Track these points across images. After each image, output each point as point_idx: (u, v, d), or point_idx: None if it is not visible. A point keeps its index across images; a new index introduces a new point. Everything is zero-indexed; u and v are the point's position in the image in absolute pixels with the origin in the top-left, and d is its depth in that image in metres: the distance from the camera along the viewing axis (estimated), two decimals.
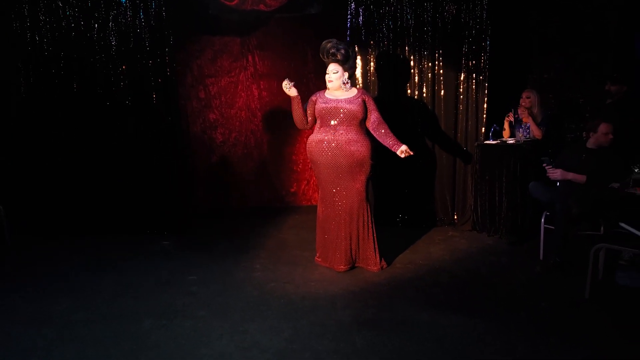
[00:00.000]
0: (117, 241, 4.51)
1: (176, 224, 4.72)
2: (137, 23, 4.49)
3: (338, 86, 3.46)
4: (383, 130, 3.47)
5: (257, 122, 5.65)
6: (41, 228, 4.70)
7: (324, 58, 3.48)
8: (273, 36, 5.42)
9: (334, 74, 3.44)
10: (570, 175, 3.48)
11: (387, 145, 3.45)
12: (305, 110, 3.56)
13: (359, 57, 4.54)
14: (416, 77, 4.56)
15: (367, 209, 3.52)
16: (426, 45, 4.49)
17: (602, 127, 3.47)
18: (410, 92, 4.59)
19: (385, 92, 4.59)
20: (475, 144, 4.44)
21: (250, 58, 5.48)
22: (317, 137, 3.49)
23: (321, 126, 3.50)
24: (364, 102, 3.45)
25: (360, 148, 3.42)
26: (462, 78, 4.51)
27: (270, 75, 5.52)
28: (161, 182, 4.66)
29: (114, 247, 4.34)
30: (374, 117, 3.48)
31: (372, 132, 3.49)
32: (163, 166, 4.65)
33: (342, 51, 3.41)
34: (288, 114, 5.51)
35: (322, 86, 5.47)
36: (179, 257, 4.04)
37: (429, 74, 4.53)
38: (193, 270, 3.71)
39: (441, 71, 4.51)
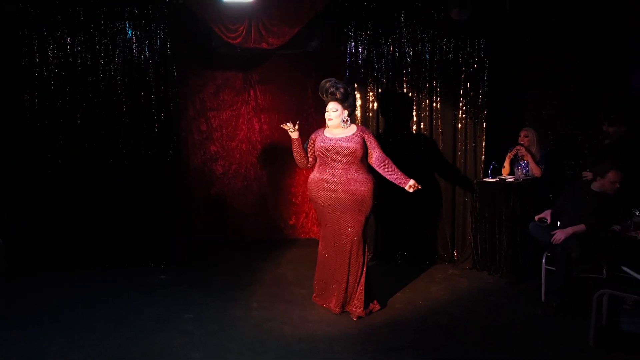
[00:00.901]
0: (114, 273, 4.48)
1: (174, 256, 4.70)
2: (142, 59, 4.58)
3: (338, 124, 3.44)
4: (388, 167, 3.42)
5: (257, 155, 5.68)
6: (37, 258, 4.67)
7: (323, 97, 3.48)
8: (274, 71, 5.51)
9: (334, 112, 3.43)
10: (570, 230, 3.45)
11: (395, 181, 3.40)
12: (305, 150, 3.56)
13: (358, 94, 4.60)
14: (415, 114, 4.61)
15: (364, 250, 3.45)
16: (424, 82, 4.56)
17: (611, 175, 3.45)
18: (409, 128, 4.63)
19: (385, 129, 4.63)
20: (474, 181, 4.45)
21: (251, 92, 5.56)
22: (317, 176, 3.46)
23: (320, 165, 3.47)
24: (363, 139, 3.40)
25: (359, 187, 3.36)
26: (460, 115, 4.56)
27: (271, 109, 5.59)
28: (160, 213, 4.67)
29: (110, 280, 4.31)
30: (376, 154, 3.43)
31: (377, 169, 3.44)
32: (162, 198, 4.67)
33: (341, 90, 3.41)
34: (288, 148, 5.54)
35: (322, 121, 5.51)
36: (175, 293, 3.99)
37: (428, 111, 4.59)
38: (189, 307, 3.67)
39: (439, 108, 4.57)
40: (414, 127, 4.62)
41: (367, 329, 3.27)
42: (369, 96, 4.61)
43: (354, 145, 3.35)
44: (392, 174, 3.41)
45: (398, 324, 3.34)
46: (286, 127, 3.45)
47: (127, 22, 4.57)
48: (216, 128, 5.61)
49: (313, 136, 3.54)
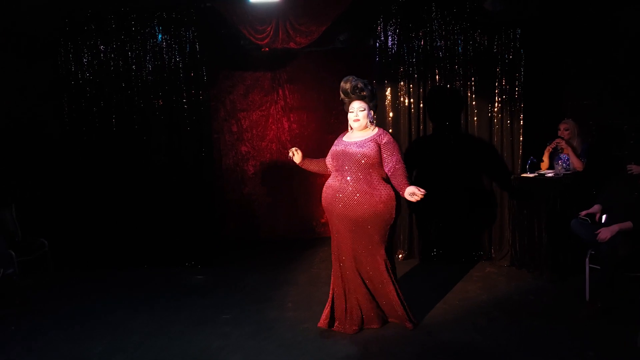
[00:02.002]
0: (152, 274, 4.62)
1: (209, 256, 4.78)
2: (172, 63, 4.64)
3: (365, 125, 3.09)
4: (397, 175, 2.97)
5: (286, 154, 5.66)
6: (80, 261, 4.84)
7: (347, 96, 3.13)
8: (303, 70, 5.49)
9: (361, 111, 3.08)
10: (617, 228, 3.29)
11: (398, 188, 2.97)
12: (319, 163, 3.35)
13: (388, 90, 4.53)
14: (448, 109, 4.49)
15: (385, 267, 3.08)
16: (458, 76, 4.44)
17: None
18: (443, 124, 4.52)
19: (416, 125, 4.54)
20: (512, 176, 4.31)
21: (280, 92, 5.57)
22: (329, 182, 3.17)
23: (333, 170, 3.17)
24: (377, 144, 3.00)
25: (369, 200, 2.96)
26: (496, 109, 4.42)
27: (300, 108, 5.58)
28: (195, 214, 4.75)
29: (148, 281, 4.43)
30: (392, 161, 2.98)
31: (390, 178, 3.02)
32: (196, 199, 4.74)
33: (369, 87, 3.12)
34: (318, 145, 5.58)
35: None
36: (212, 293, 4.06)
37: (462, 105, 4.47)
38: (226, 308, 3.72)
39: (474, 102, 4.44)
40: (448, 123, 4.51)
41: (402, 330, 3.22)
42: (400, 92, 4.53)
43: (366, 150, 2.97)
44: (395, 181, 2.97)
45: (434, 325, 3.28)
46: (289, 155, 3.30)
47: (157, 27, 4.64)
48: (246, 129, 5.65)
49: (336, 140, 3.25)
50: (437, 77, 4.48)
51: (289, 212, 5.73)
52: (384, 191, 3.01)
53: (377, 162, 3.00)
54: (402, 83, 4.51)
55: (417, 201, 2.85)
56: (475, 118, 4.46)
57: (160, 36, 4.66)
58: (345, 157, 3.03)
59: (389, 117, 4.55)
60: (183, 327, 3.43)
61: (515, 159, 4.41)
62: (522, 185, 4.19)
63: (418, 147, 4.53)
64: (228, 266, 4.76)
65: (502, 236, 4.49)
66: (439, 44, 4.43)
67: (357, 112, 3.10)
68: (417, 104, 4.52)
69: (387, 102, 4.54)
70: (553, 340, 3.04)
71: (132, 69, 4.68)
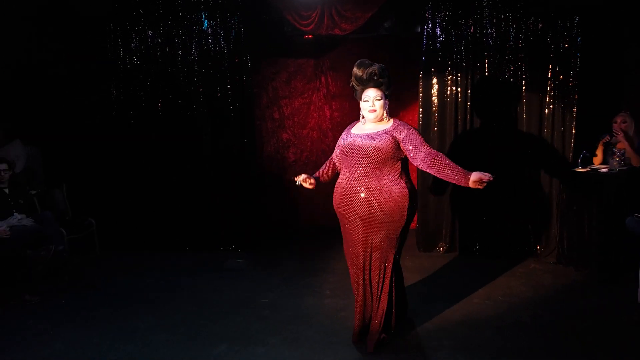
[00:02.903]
0: (194, 257, 4.73)
1: (249, 242, 4.85)
2: (217, 49, 4.69)
3: (381, 116, 2.75)
4: (441, 163, 2.63)
5: (327, 142, 5.67)
6: (125, 242, 5.02)
7: (360, 83, 2.76)
8: (346, 57, 5.42)
9: (378, 101, 2.71)
10: None
11: (452, 181, 2.64)
12: (329, 169, 3.05)
13: (435, 79, 4.42)
14: (497, 99, 4.34)
15: (390, 276, 2.78)
16: (508, 65, 4.27)
17: None
18: (491, 114, 4.38)
19: (462, 115, 4.41)
20: (562, 170, 4.13)
21: (323, 79, 5.53)
22: (338, 181, 2.87)
23: (342, 166, 2.87)
24: (394, 138, 2.66)
25: (378, 197, 2.65)
26: (547, 99, 4.24)
27: (342, 96, 5.53)
28: (237, 200, 4.81)
29: (191, 263, 4.55)
30: (422, 152, 2.64)
31: (428, 171, 2.68)
32: (239, 185, 4.80)
33: (387, 73, 2.74)
34: None
35: (397, 107, 5.44)
36: (252, 277, 4.13)
37: (511, 96, 4.31)
38: (265, 292, 3.77)
39: (524, 93, 4.27)
40: (496, 113, 4.36)
41: (444, 323, 3.17)
42: (447, 81, 4.41)
43: (379, 143, 2.64)
44: (447, 171, 2.61)
45: (476, 320, 3.21)
46: (305, 185, 2.90)
47: (203, 13, 4.69)
48: (288, 116, 5.66)
49: (343, 134, 2.91)
50: (486, 66, 4.33)
51: (329, 201, 5.68)
52: (396, 188, 2.66)
53: (391, 156, 2.65)
54: (449, 72, 4.39)
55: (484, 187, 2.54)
56: (524, 109, 4.29)
57: (206, 22, 4.71)
58: (354, 150, 2.69)
59: (435, 106, 4.44)
60: (223, 308, 3.50)
61: (566, 153, 4.23)
62: (573, 180, 4.01)
63: (464, 138, 4.41)
64: (268, 251, 4.82)
65: (549, 232, 4.33)
66: (489, 31, 4.28)
67: (374, 101, 2.72)
68: (464, 93, 4.39)
69: (433, 91, 4.43)
70: (600, 343, 2.90)
71: (178, 55, 4.76)
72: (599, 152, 4.12)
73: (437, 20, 4.36)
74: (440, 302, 3.49)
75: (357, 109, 5.70)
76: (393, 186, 2.67)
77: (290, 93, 5.61)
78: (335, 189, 2.85)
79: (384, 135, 2.66)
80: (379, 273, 2.77)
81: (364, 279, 2.82)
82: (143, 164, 4.91)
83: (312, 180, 2.90)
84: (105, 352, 2.92)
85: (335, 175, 3.00)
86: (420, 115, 4.49)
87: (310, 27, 4.55)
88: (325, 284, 3.92)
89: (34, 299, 3.72)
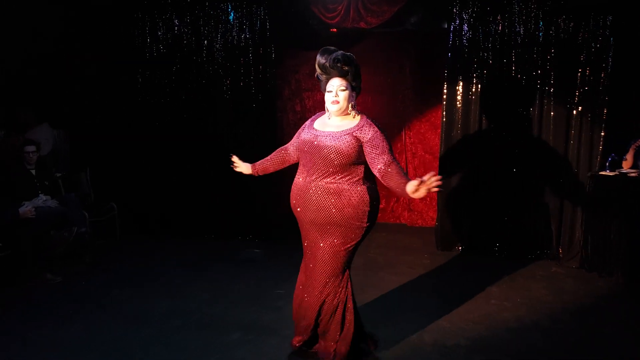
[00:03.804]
0: (212, 245, 4.79)
1: (267, 232, 4.86)
2: (242, 39, 4.70)
3: (345, 110, 2.42)
4: (391, 177, 2.29)
5: None
6: (145, 227, 5.09)
7: (324, 72, 2.44)
8: (370, 51, 5.38)
9: (342, 91, 2.39)
10: None
11: (396, 190, 2.29)
12: (275, 160, 2.80)
13: (460, 76, 4.34)
14: (523, 98, 4.25)
15: (344, 285, 2.56)
16: (536, 63, 4.18)
17: None
18: (516, 114, 4.29)
19: (488, 114, 4.33)
20: (589, 174, 4.03)
21: None
22: (296, 179, 2.61)
23: (300, 164, 2.62)
24: (357, 139, 2.36)
25: (336, 203, 2.40)
26: (576, 101, 4.13)
27: (364, 90, 5.38)
28: (255, 190, 4.82)
29: (209, 251, 4.60)
30: (382, 162, 2.32)
31: (381, 180, 2.35)
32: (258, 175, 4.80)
33: (354, 62, 2.42)
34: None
35: (422, 103, 5.37)
36: (267, 267, 4.15)
37: (538, 95, 4.21)
38: (280, 282, 3.77)
39: (552, 92, 4.17)
40: (522, 112, 4.27)
41: (461, 323, 3.13)
42: (473, 78, 4.33)
43: (340, 145, 2.35)
44: (391, 183, 2.30)
45: (494, 321, 3.15)
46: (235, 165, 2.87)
47: (229, 4, 4.70)
48: (310, 109, 5.64)
49: (305, 124, 2.62)
50: (513, 64, 4.23)
51: None
52: (355, 193, 2.41)
53: (353, 160, 2.38)
54: (475, 69, 4.30)
55: (433, 191, 2.08)
56: (552, 109, 4.19)
57: (232, 13, 4.72)
58: (313, 150, 2.42)
59: (459, 103, 4.37)
60: (238, 297, 3.52)
61: (594, 155, 4.11)
62: (600, 183, 3.90)
63: (487, 137, 4.34)
64: (284, 242, 4.81)
65: (573, 236, 4.22)
66: (517, 29, 4.18)
67: (337, 90, 2.40)
68: (490, 91, 4.30)
69: (458, 88, 4.36)
70: (624, 350, 2.83)
71: (203, 44, 4.78)
72: (630, 156, 3.99)
73: (465, 16, 4.28)
74: (458, 301, 3.44)
75: (380, 102, 5.66)
76: (353, 191, 2.41)
77: (313, 86, 5.59)
78: (292, 187, 2.61)
79: (347, 136, 2.37)
80: (333, 284, 2.52)
81: (319, 294, 2.56)
82: (165, 151, 4.97)
83: (244, 164, 2.88)
84: (121, 334, 2.96)
85: (280, 166, 2.79)
86: (444, 112, 4.42)
87: (336, 20, 4.52)
88: None
89: (55, 279, 3.80)
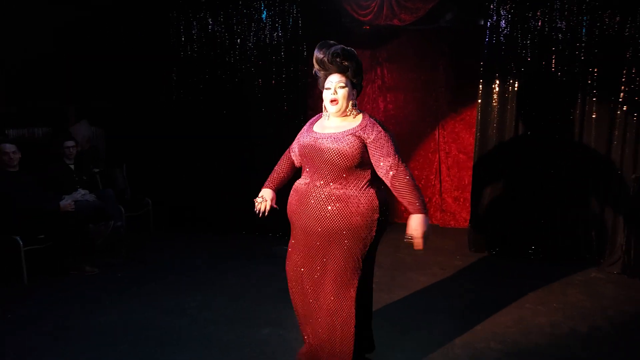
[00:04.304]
0: (245, 241, 4.84)
1: None
2: (274, 37, 4.72)
3: (344, 109, 2.26)
4: (400, 185, 2.17)
5: None
6: (179, 222, 5.20)
7: (322, 67, 2.27)
8: (404, 48, 5.32)
9: (341, 88, 2.23)
10: None
11: (405, 205, 2.22)
12: (282, 170, 2.59)
13: (497, 73, 4.23)
14: (563, 96, 4.10)
15: (354, 303, 2.27)
16: (578, 60, 4.02)
17: None
18: (555, 112, 4.14)
19: (526, 113, 4.20)
20: (633, 176, 3.86)
21: (379, 70, 5.45)
22: (296, 184, 2.43)
23: (303, 168, 2.43)
24: (360, 140, 2.20)
25: (343, 210, 2.21)
26: (620, 100, 3.95)
27: (397, 88, 5.43)
28: (288, 188, 4.82)
29: (241, 247, 4.66)
30: (387, 164, 2.18)
31: (389, 186, 2.22)
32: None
33: (355, 57, 2.25)
34: (412, 128, 5.42)
35: (457, 101, 5.26)
36: None
37: (579, 94, 4.06)
38: None
39: (594, 91, 4.01)
40: (562, 112, 4.12)
41: (493, 326, 3.05)
42: (510, 76, 4.21)
43: (343, 147, 2.18)
44: (399, 194, 2.19)
45: (528, 325, 3.07)
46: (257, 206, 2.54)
47: (262, 2, 4.73)
48: None
49: (304, 127, 2.47)
50: (553, 61, 4.09)
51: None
52: (364, 199, 2.22)
53: (357, 162, 2.20)
54: (512, 67, 4.18)
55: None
56: (594, 108, 4.03)
57: (265, 11, 4.75)
58: (315, 153, 2.25)
59: (495, 102, 4.26)
60: (268, 293, 3.54)
61: (639, 157, 3.93)
62: None
63: (524, 137, 4.21)
64: None
65: (614, 241, 4.05)
66: (559, 25, 4.03)
67: (336, 87, 2.23)
68: (528, 89, 4.17)
69: (494, 86, 4.25)
70: None
71: (236, 43, 4.84)
72: None
73: (503, 12, 4.17)
74: (490, 303, 3.37)
75: (413, 101, 5.55)
76: (361, 197, 2.22)
77: None
78: (291, 192, 2.42)
79: (349, 137, 2.19)
80: (335, 301, 2.27)
81: (312, 307, 2.36)
82: (198, 149, 5.06)
83: (269, 196, 2.53)
84: (155, 325, 3.04)
85: (290, 175, 2.58)
86: (479, 111, 4.32)
87: (369, 17, 4.48)
88: None
89: (93, 270, 3.93)
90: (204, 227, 5.10)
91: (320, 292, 2.32)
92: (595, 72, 3.99)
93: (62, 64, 5.05)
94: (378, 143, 2.20)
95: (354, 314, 2.27)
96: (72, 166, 4.36)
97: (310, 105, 5.51)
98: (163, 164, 5.20)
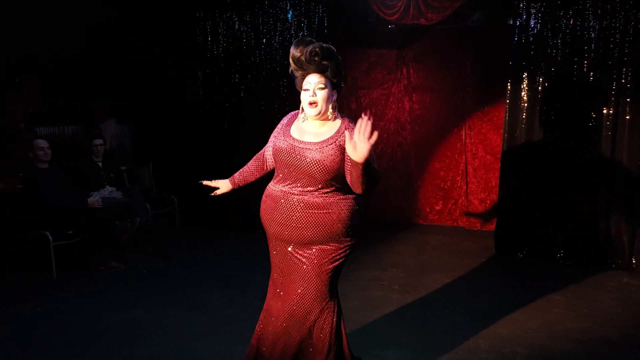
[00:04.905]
0: (263, 240, 4.81)
1: None
2: (300, 37, 4.72)
3: (324, 112, 2.07)
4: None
5: (405, 135, 5.53)
6: (204, 220, 5.25)
7: (299, 67, 2.10)
8: (430, 48, 5.26)
9: (320, 89, 2.04)
10: None
11: (352, 177, 1.96)
12: (251, 170, 2.47)
13: (526, 74, 4.14)
14: (595, 97, 3.98)
15: (334, 312, 2.23)
16: (611, 61, 3.90)
17: None
18: (585, 113, 4.02)
19: (555, 114, 4.10)
20: None
21: (404, 70, 5.40)
22: (269, 188, 2.24)
23: (276, 171, 2.23)
24: (341, 147, 2.03)
25: (323, 219, 2.07)
26: None
27: (423, 88, 5.37)
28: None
29: (264, 245, 4.58)
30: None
31: (351, 187, 2.04)
32: None
33: (335, 56, 2.06)
34: (438, 129, 5.36)
35: (484, 101, 5.16)
36: None
37: (612, 95, 3.93)
38: None
39: (628, 91, 3.88)
40: (593, 113, 4.00)
41: (519, 330, 2.98)
42: (539, 76, 4.11)
43: (323, 158, 2.03)
44: (352, 177, 1.97)
45: (557, 331, 2.98)
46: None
47: (288, 2, 4.75)
48: (365, 107, 5.59)
49: (279, 127, 2.27)
50: (585, 62, 3.98)
51: (403, 195, 5.61)
52: (345, 206, 2.10)
53: (338, 172, 2.05)
54: (542, 67, 4.08)
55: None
56: (628, 110, 3.90)
57: (290, 11, 4.77)
58: (292, 160, 2.08)
59: (524, 103, 4.17)
60: None
61: None
62: None
63: (554, 139, 4.11)
64: None
65: None
66: (591, 23, 3.92)
67: (314, 89, 2.04)
68: (558, 90, 4.06)
69: (523, 86, 4.16)
70: None
71: (262, 43, 4.87)
72: None
73: (532, 10, 4.07)
74: (516, 307, 3.29)
75: (439, 101, 5.48)
76: (342, 203, 2.09)
77: (369, 84, 5.54)
78: (264, 198, 2.25)
79: (330, 147, 2.03)
80: (319, 320, 2.19)
81: (305, 327, 2.21)
82: (223, 147, 5.10)
83: (224, 182, 2.54)
84: (179, 322, 3.07)
85: (258, 175, 2.47)
86: (507, 112, 4.24)
87: (395, 16, 4.45)
88: (394, 278, 3.85)
89: (119, 266, 4.00)
90: (228, 225, 5.13)
91: (294, 313, 2.20)
92: (630, 71, 3.86)
93: (92, 63, 5.17)
94: None
95: (335, 331, 2.24)
96: (100, 164, 4.45)
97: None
98: (188, 161, 5.26)
